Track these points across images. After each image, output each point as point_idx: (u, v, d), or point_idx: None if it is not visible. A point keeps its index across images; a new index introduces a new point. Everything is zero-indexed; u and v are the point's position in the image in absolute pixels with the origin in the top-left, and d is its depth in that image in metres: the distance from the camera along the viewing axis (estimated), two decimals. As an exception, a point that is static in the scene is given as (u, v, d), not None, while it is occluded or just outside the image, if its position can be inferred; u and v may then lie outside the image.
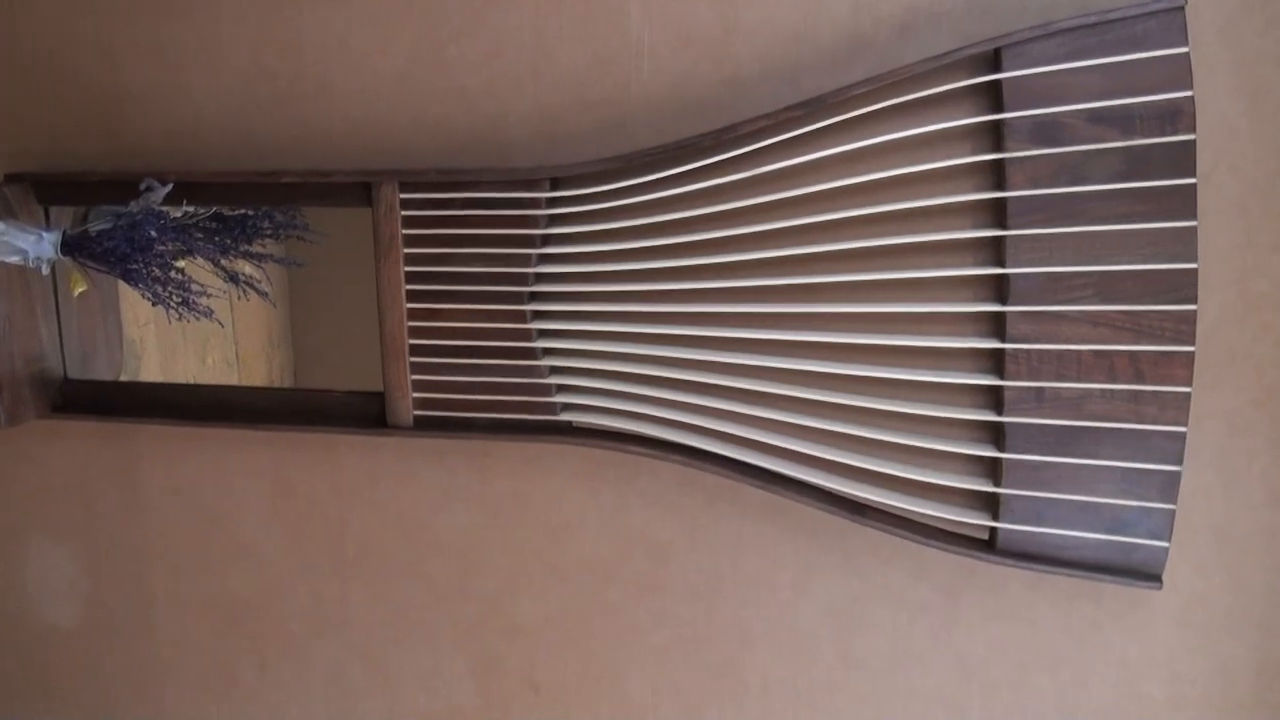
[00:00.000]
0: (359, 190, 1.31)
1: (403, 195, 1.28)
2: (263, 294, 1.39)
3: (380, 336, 1.32)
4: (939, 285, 1.19)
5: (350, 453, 1.49)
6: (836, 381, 1.23)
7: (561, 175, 1.24)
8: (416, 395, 1.33)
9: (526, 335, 1.28)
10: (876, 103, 1.12)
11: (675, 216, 1.22)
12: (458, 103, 1.35)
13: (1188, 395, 1.10)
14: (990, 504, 1.20)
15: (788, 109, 1.14)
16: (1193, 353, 1.09)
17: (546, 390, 1.30)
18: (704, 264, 1.23)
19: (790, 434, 1.24)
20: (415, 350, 1.32)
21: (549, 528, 1.44)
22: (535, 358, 1.29)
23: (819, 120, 1.14)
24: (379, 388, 1.35)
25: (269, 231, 1.37)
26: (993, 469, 1.19)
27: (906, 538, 1.21)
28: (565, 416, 1.32)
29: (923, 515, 1.21)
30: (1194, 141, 1.05)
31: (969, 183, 1.15)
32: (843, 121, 1.14)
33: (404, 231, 1.29)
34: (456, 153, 1.35)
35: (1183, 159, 1.06)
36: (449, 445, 1.43)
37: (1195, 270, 1.07)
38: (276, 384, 1.49)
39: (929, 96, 1.12)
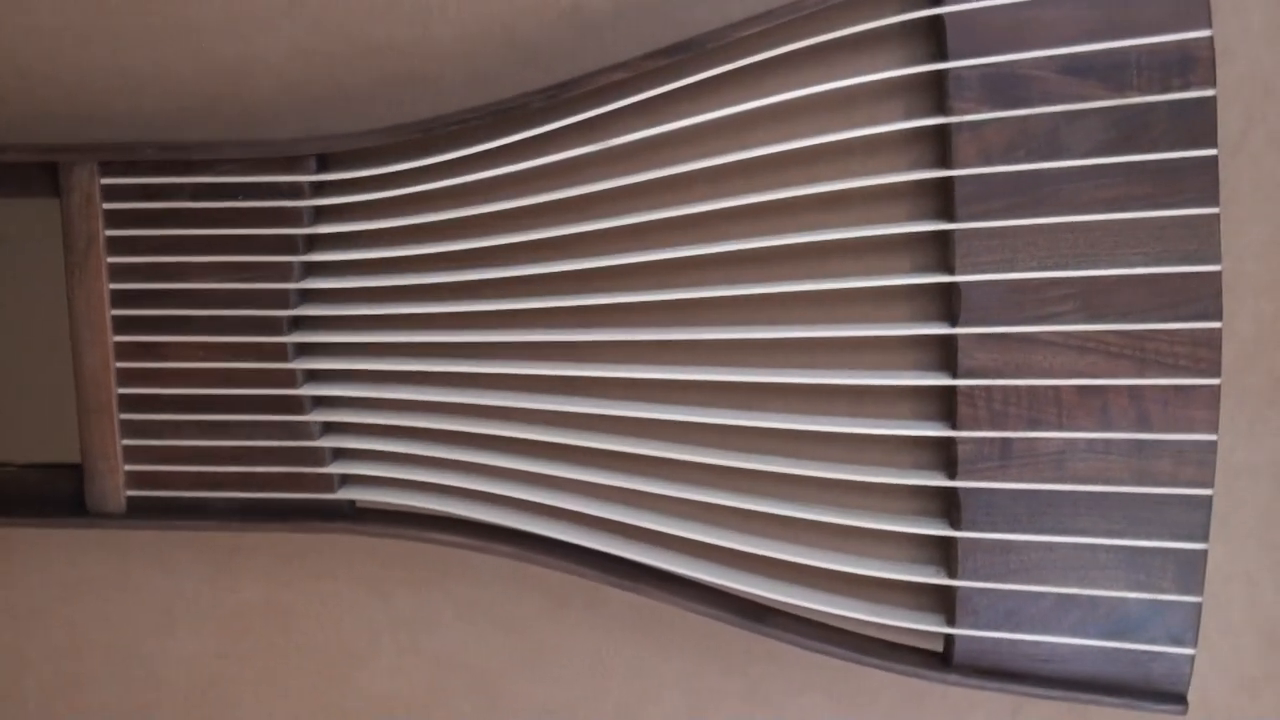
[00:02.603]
0: (41, 174, 1.17)
1: (105, 180, 1.16)
2: (-106, 323, 1.23)
3: (75, 383, 1.18)
4: (863, 298, 1.11)
5: (35, 553, 1.34)
6: (728, 436, 1.14)
7: (333, 151, 1.13)
8: (130, 468, 1.20)
9: (288, 379, 1.16)
10: (776, 46, 1.03)
11: (495, 208, 1.11)
12: (183, 47, 1.23)
13: (1213, 444, 1.00)
14: (945, 602, 1.09)
15: (651, 55, 1.05)
16: (1218, 386, 0.99)
17: (318, 456, 1.18)
18: (538, 274, 1.13)
19: (666, 511, 1.15)
20: (127, 403, 1.18)
21: (325, 654, 1.30)
22: (301, 410, 1.17)
23: (696, 71, 1.05)
24: (76, 458, 1.20)
25: (-95, 232, 1.21)
26: (945, 553, 1.09)
27: (830, 653, 1.10)
28: (344, 494, 1.20)
29: (851, 621, 1.11)
30: (1214, 99, 0.96)
31: (902, 157, 1.08)
32: (729, 73, 1.05)
33: (108, 232, 1.16)
34: (182, 119, 1.23)
35: (1198, 123, 0.97)
36: (177, 539, 1.30)
37: (1219, 273, 0.98)
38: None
39: (847, 38, 1.02)
